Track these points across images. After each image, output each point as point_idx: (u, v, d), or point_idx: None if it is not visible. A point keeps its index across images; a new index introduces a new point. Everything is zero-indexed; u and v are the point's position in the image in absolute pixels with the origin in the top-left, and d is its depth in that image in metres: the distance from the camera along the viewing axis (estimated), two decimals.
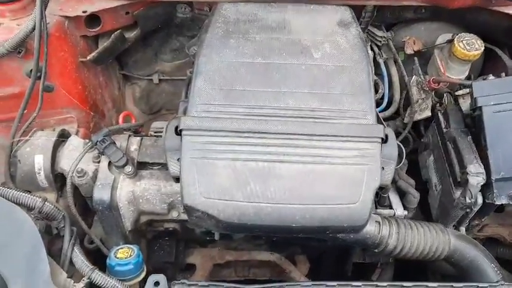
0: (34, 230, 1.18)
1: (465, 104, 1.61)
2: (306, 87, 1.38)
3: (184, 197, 1.26)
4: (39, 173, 1.55)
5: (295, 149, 1.29)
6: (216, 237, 1.65)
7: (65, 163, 1.54)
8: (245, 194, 1.26)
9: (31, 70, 1.62)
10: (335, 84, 1.38)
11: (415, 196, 1.51)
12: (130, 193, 1.46)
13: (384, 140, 1.31)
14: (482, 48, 1.65)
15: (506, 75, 1.63)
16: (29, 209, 1.30)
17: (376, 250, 1.43)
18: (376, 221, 1.42)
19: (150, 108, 2.35)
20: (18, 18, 1.61)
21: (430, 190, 1.66)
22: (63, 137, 1.63)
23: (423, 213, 1.66)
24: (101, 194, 1.42)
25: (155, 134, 1.64)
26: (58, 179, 1.58)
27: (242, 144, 1.30)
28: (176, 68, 2.22)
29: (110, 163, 1.48)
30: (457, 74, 1.73)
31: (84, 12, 1.66)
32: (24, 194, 1.31)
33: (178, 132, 1.34)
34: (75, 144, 1.60)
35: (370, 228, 1.39)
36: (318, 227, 1.27)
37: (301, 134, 1.31)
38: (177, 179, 1.34)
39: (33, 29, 1.50)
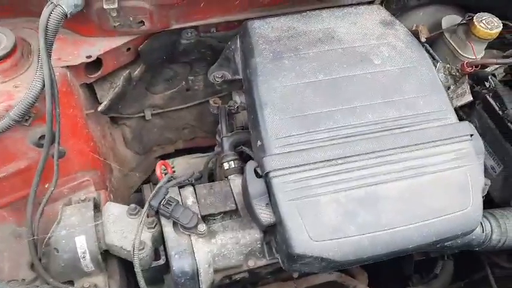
0: None
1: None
2: (379, 96, 1.28)
3: (293, 246, 1.12)
4: (83, 257, 1.29)
5: (392, 166, 1.20)
6: (295, 275, 1.50)
7: (114, 237, 1.30)
8: (358, 226, 1.14)
9: (39, 137, 1.34)
10: (406, 88, 1.30)
11: (486, 183, 1.49)
12: (208, 254, 1.26)
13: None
14: (501, 26, 1.66)
15: None
16: None
17: (478, 249, 1.39)
18: None
19: (144, 147, 2.10)
20: (11, 78, 1.30)
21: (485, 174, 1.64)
22: (96, 207, 1.38)
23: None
24: (181, 264, 1.21)
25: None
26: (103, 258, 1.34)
27: (337, 173, 1.18)
28: (168, 99, 2.00)
29: (174, 225, 1.27)
30: (474, 54, 1.74)
31: (88, 57, 1.39)
32: None
33: (259, 174, 1.19)
34: (115, 212, 1.35)
35: (476, 230, 1.34)
36: (435, 241, 1.19)
37: (394, 148, 1.21)
38: (269, 227, 1.19)
39: (43, 88, 1.23)
